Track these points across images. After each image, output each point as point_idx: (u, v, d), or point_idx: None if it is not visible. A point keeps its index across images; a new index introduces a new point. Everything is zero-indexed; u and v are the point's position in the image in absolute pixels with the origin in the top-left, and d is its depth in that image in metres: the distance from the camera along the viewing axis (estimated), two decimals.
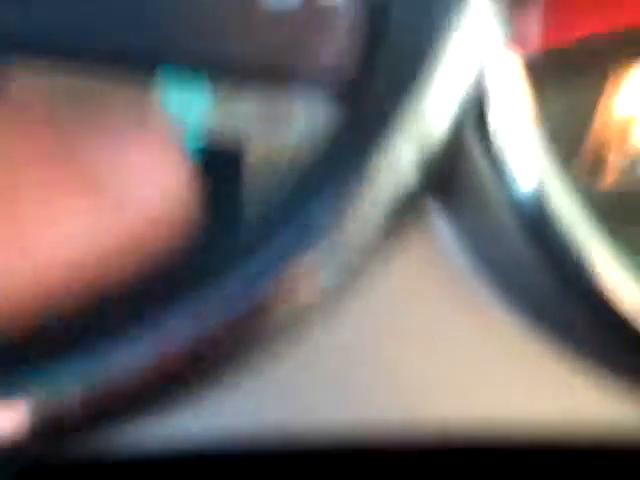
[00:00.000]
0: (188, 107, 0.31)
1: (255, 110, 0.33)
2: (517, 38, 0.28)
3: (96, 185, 0.22)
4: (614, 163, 0.33)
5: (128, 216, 0.23)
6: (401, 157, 0.26)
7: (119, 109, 0.24)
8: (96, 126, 0.23)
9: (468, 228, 0.30)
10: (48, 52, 0.27)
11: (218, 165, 0.31)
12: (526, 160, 0.27)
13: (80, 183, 0.22)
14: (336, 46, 0.29)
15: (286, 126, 0.33)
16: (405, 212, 0.27)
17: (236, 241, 0.27)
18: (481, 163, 0.28)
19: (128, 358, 0.25)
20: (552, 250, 0.27)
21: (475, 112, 0.27)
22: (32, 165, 0.22)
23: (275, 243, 0.26)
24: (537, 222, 0.27)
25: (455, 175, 0.29)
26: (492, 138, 0.27)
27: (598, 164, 0.33)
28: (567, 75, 0.32)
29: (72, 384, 0.25)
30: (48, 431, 0.25)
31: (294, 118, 0.32)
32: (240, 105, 0.32)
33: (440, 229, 0.30)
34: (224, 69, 0.30)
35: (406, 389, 0.31)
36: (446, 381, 0.31)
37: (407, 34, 0.27)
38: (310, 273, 0.26)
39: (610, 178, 0.33)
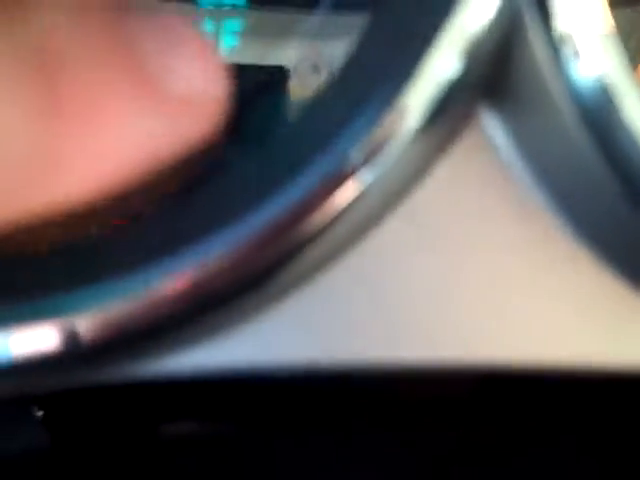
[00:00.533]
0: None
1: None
2: None
3: (148, 86, 0.20)
4: None
5: (180, 120, 0.21)
6: (445, 45, 0.24)
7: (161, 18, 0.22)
8: (146, 23, 0.21)
9: (524, 131, 0.28)
10: None
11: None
12: (591, 47, 0.25)
13: (133, 84, 0.20)
14: None
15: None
16: (454, 108, 0.25)
17: (283, 147, 0.25)
18: (539, 51, 0.25)
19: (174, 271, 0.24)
20: (617, 147, 0.25)
21: None
22: (82, 61, 0.20)
23: (322, 142, 0.24)
24: (601, 115, 0.25)
25: (508, 70, 0.26)
26: (553, 22, 0.25)
27: None
28: None
29: (110, 303, 0.24)
30: (84, 352, 0.24)
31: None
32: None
33: (494, 134, 0.28)
34: None
35: (454, 317, 0.29)
36: (499, 309, 0.29)
37: None
38: (355, 173, 0.25)
39: None
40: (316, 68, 0.32)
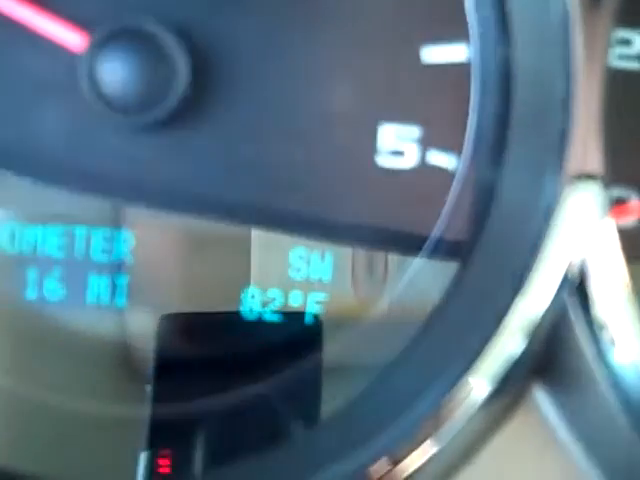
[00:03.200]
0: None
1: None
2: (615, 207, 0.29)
3: None
4: None
5: None
6: (508, 330, 0.28)
7: None
8: None
9: (572, 406, 0.31)
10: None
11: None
12: (624, 332, 0.28)
13: None
14: (447, 208, 0.32)
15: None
16: (513, 384, 0.29)
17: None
18: (582, 337, 0.29)
19: None
20: None
21: (576, 284, 0.28)
22: None
23: (392, 414, 0.28)
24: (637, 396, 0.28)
25: (558, 352, 0.30)
26: (593, 309, 0.28)
27: None
28: None
29: None
30: None
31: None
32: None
33: (546, 410, 0.31)
34: (329, 230, 0.32)
35: None
36: None
37: (515, 209, 0.29)
38: (421, 445, 0.28)
39: None
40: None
